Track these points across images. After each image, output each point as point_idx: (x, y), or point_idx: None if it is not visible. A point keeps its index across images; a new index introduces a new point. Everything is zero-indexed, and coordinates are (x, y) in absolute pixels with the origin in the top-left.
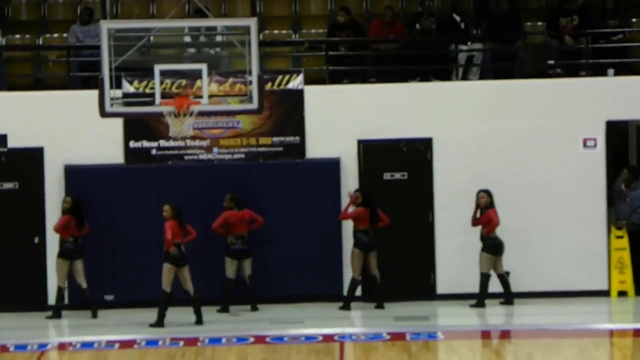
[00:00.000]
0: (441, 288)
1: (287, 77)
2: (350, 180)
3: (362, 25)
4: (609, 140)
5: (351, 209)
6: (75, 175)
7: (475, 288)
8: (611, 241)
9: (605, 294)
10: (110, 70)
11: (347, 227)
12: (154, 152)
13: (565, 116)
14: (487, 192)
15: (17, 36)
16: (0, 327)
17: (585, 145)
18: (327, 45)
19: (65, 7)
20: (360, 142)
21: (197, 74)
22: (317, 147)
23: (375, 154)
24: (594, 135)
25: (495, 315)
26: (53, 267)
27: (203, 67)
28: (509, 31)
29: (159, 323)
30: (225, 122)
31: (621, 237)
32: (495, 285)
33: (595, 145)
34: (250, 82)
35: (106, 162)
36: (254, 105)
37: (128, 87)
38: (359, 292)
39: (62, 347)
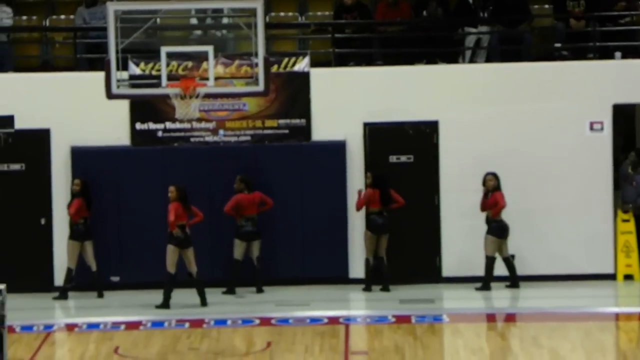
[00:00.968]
0: (447, 271)
1: (293, 59)
2: (356, 163)
3: (368, 8)
4: (619, 125)
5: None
6: (81, 157)
7: (480, 271)
8: (617, 224)
9: (612, 277)
10: (117, 52)
11: (353, 209)
12: (160, 134)
13: (572, 99)
14: (494, 175)
15: (24, 17)
16: (6, 307)
17: (592, 128)
18: (333, 27)
19: None
20: (366, 124)
21: (203, 56)
22: (323, 130)
23: (381, 136)
24: (600, 118)
25: (500, 298)
26: (59, 249)
27: (209, 49)
28: (516, 14)
29: (165, 304)
30: (231, 105)
31: (627, 220)
32: (500, 269)
33: (602, 129)
34: (256, 65)
35: (112, 144)
36: (260, 87)
37: (134, 69)
38: (363, 274)
39: (68, 328)
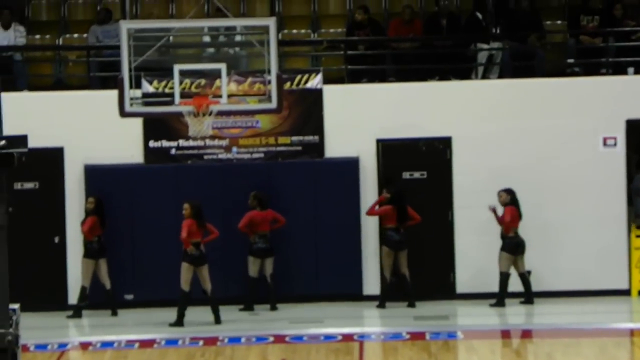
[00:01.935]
0: (461, 287)
1: (305, 76)
2: (369, 180)
3: (381, 24)
4: (632, 141)
5: (378, 207)
6: (95, 175)
7: (494, 287)
8: (631, 240)
9: (626, 293)
10: (130, 70)
11: (367, 226)
12: (173, 151)
13: (585, 115)
14: (506, 191)
15: (38, 36)
16: (20, 326)
17: (605, 144)
18: (346, 44)
19: (85, 8)
20: (379, 141)
21: (216, 74)
22: (336, 147)
23: (394, 153)
24: (614, 134)
25: (515, 314)
26: (73, 267)
27: (222, 66)
28: (529, 30)
29: (179, 322)
30: (244, 122)
31: None
32: (514, 285)
33: (615, 144)
34: (269, 82)
35: (126, 162)
36: (273, 104)
37: (147, 87)
38: (377, 290)
39: (82, 346)
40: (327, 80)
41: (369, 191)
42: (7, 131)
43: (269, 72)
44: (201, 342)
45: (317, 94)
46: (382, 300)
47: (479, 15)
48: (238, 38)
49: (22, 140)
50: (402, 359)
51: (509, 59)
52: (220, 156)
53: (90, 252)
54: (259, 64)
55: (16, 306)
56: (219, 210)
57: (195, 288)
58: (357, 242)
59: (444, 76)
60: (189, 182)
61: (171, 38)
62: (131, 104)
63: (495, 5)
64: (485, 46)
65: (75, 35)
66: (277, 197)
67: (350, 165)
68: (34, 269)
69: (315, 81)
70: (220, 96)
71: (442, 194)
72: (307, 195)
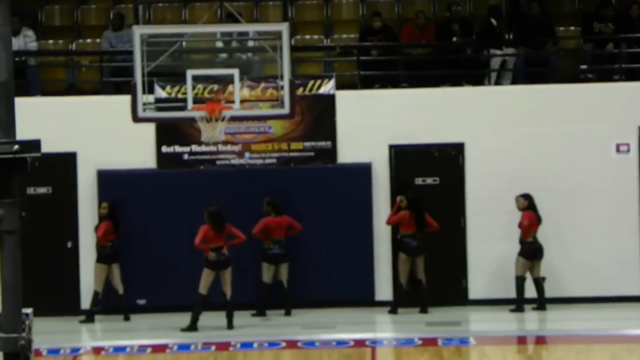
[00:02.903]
0: (473, 293)
1: (318, 82)
2: (381, 186)
3: (393, 30)
4: None
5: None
6: (107, 180)
7: (507, 293)
8: None
9: (639, 299)
10: (143, 75)
11: (379, 231)
12: (186, 157)
13: (598, 121)
14: (523, 196)
15: (51, 42)
16: (33, 331)
17: (618, 150)
18: (358, 50)
19: (98, 13)
20: (391, 147)
21: (229, 79)
22: (348, 152)
23: (406, 158)
24: (627, 140)
25: (527, 320)
26: (86, 272)
27: (235, 72)
28: (542, 36)
29: (192, 326)
30: (257, 127)
31: None
32: (528, 291)
33: (628, 150)
34: (282, 87)
35: (139, 167)
36: (286, 110)
37: (160, 93)
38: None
39: (95, 351)
40: (340, 86)
41: (381, 197)
42: (20, 136)
43: (282, 77)
44: (213, 347)
45: (330, 99)
46: (394, 306)
47: (494, 22)
48: (251, 43)
49: (35, 145)
50: None
51: (522, 65)
52: (232, 161)
53: (103, 257)
54: (272, 70)
55: (29, 311)
56: (232, 215)
57: (213, 293)
58: (370, 247)
59: (456, 82)
60: (201, 188)
61: (184, 43)
62: (144, 110)
63: (508, 11)
64: (498, 52)
65: (89, 40)
66: (289, 203)
67: (363, 171)
68: (47, 273)
69: (327, 87)
70: (233, 101)
71: (454, 200)
72: (320, 201)
